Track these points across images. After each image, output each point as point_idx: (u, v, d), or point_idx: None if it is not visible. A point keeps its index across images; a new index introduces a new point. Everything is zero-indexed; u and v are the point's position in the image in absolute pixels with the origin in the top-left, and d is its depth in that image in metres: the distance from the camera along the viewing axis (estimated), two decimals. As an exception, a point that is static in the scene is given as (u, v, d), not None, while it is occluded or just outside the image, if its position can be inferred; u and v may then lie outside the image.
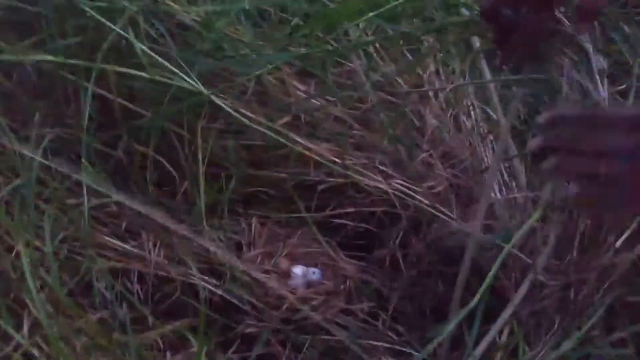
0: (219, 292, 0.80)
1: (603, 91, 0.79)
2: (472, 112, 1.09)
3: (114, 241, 0.75)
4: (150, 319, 0.70)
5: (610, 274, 0.69)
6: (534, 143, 0.53)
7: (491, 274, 0.63)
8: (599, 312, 0.64)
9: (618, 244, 0.69)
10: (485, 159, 1.02)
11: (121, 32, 0.76)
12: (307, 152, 0.93)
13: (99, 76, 0.78)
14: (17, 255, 0.59)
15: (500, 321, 0.63)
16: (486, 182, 0.70)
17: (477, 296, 0.60)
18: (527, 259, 0.79)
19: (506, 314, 0.64)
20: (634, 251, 0.69)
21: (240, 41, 0.94)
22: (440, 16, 0.93)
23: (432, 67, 1.12)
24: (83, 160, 0.69)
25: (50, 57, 0.67)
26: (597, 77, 0.77)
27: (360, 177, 0.97)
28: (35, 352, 0.47)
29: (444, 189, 0.98)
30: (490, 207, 0.92)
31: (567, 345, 0.59)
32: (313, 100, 1.02)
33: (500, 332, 0.68)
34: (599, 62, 0.75)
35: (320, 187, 0.98)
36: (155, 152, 0.85)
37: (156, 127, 0.84)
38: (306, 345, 0.82)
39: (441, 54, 1.13)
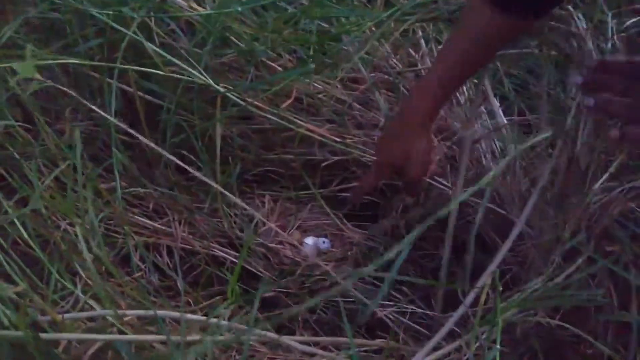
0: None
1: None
2: (465, 87, 1.16)
3: (144, 220, 0.84)
4: (181, 286, 0.79)
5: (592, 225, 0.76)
6: (573, 79, 0.60)
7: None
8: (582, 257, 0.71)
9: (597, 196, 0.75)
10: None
11: (134, 35, 0.82)
12: (310, 134, 1.00)
13: (120, 73, 0.86)
14: (64, 230, 0.68)
15: (487, 271, 0.70)
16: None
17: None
18: (515, 218, 0.87)
19: (493, 265, 0.71)
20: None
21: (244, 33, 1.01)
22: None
23: (425, 47, 1.19)
24: (114, 149, 0.78)
25: (75, 60, 0.75)
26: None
27: (361, 154, 1.05)
28: (94, 304, 0.56)
29: (440, 160, 1.06)
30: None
31: (549, 286, 0.67)
32: (314, 84, 1.09)
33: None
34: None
35: (324, 164, 1.06)
36: (173, 139, 0.92)
37: (172, 117, 0.91)
38: (319, 306, 0.90)
39: (434, 34, 1.20)
